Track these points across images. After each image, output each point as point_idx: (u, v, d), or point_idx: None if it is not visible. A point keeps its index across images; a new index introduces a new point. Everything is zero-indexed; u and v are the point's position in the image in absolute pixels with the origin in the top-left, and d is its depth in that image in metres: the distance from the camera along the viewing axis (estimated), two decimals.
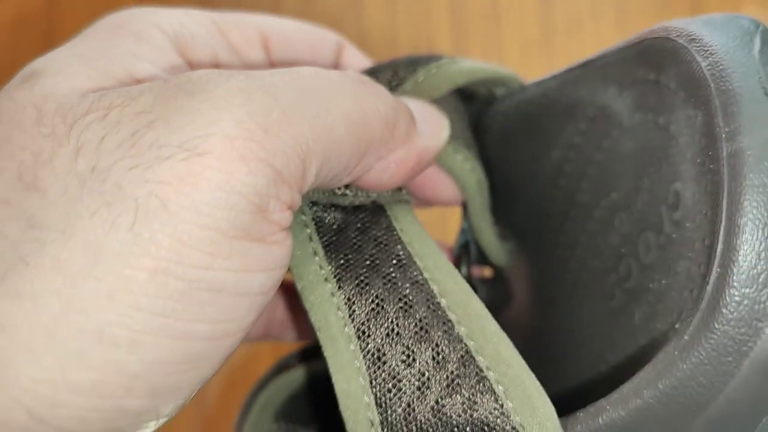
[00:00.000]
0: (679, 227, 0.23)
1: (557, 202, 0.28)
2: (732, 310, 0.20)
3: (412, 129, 0.24)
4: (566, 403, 0.23)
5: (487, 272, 0.31)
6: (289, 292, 0.30)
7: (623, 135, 0.26)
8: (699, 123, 0.22)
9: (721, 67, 0.21)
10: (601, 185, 0.27)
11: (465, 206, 0.29)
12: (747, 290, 0.20)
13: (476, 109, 0.28)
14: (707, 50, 0.22)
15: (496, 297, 0.30)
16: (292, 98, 0.20)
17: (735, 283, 0.20)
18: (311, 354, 0.29)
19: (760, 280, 0.20)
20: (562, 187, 0.28)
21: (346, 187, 0.25)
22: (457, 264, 0.29)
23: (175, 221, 0.18)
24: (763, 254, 0.20)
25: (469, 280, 0.29)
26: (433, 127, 0.25)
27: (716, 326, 0.20)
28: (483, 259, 0.29)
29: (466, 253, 0.29)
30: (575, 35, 0.61)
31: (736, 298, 0.20)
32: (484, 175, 0.28)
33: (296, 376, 0.30)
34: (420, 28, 0.62)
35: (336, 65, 0.28)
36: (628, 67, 0.25)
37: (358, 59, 0.28)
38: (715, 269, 0.20)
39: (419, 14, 0.63)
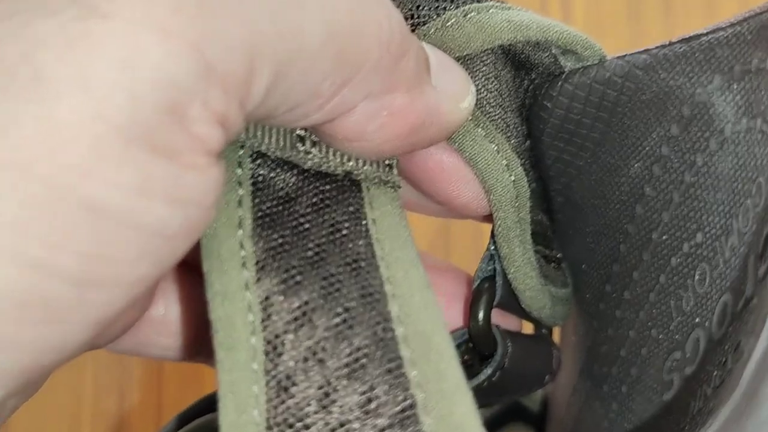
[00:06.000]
0: (763, 288, 0.15)
1: (630, 239, 0.20)
2: None
3: (424, 73, 0.18)
4: None
5: (527, 326, 0.23)
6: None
7: (723, 148, 0.17)
8: None
9: None
10: (686, 220, 0.18)
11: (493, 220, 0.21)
12: None
13: (534, 84, 0.20)
14: None
15: (528, 362, 0.21)
16: None
17: None
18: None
19: None
20: (639, 217, 0.19)
21: (313, 143, 0.18)
22: (475, 303, 0.21)
23: (49, 99, 0.14)
24: None
25: (488, 328, 0.21)
26: (453, 85, 0.18)
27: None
28: (515, 305, 0.21)
29: (489, 289, 0.21)
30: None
31: None
32: (526, 179, 0.20)
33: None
34: None
35: None
36: (742, 48, 0.17)
37: None
38: None
39: None
